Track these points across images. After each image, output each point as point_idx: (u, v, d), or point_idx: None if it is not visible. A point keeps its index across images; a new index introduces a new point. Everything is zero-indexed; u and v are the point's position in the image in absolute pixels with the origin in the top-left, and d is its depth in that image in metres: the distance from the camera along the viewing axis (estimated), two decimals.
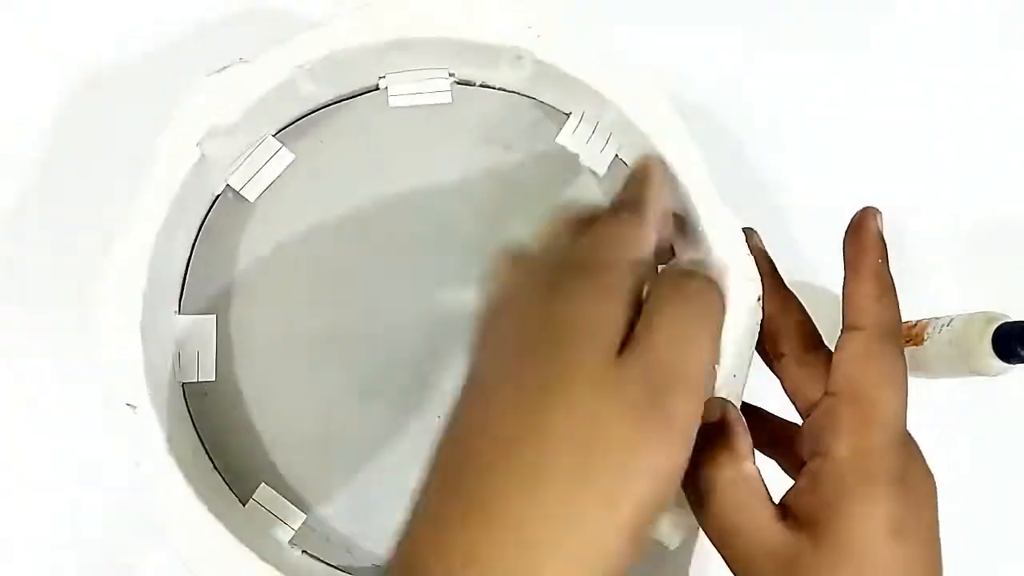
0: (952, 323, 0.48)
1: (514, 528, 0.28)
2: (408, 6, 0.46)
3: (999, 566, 0.53)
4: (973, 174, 0.57)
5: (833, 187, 0.57)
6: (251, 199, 0.49)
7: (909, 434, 0.36)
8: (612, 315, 0.31)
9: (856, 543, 0.34)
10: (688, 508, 0.38)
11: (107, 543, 0.51)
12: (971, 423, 0.54)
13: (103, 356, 0.42)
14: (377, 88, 0.50)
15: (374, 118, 0.50)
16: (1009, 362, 0.45)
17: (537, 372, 0.30)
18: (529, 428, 0.29)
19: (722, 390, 0.45)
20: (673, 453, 0.29)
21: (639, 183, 0.38)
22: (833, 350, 0.39)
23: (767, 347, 0.42)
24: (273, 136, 0.49)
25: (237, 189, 0.48)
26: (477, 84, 0.51)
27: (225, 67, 0.45)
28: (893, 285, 0.38)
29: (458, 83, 0.50)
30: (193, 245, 0.48)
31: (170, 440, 0.42)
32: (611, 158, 0.50)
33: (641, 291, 0.33)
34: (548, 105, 0.51)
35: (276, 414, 0.47)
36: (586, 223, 0.36)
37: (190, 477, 0.42)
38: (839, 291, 0.56)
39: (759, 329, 0.46)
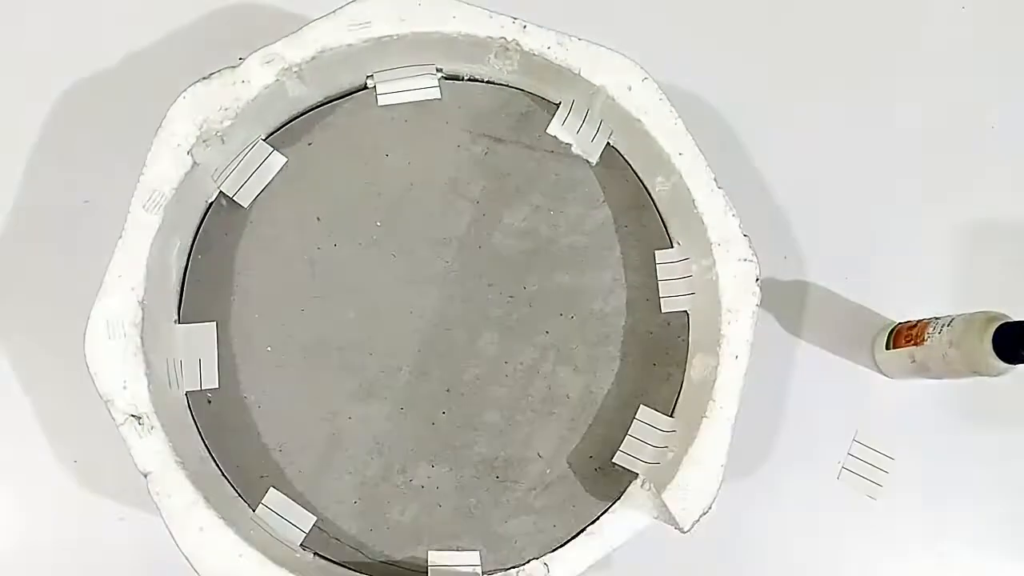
0: (952, 323, 0.48)
1: None
2: (389, 3, 0.46)
3: (1000, 565, 0.53)
4: (973, 174, 0.57)
5: (834, 187, 0.57)
6: (245, 204, 0.48)
7: None
8: None
9: None
10: None
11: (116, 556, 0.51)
12: (971, 423, 0.55)
13: (105, 369, 0.42)
14: (366, 87, 0.50)
15: (364, 117, 0.50)
16: (1010, 362, 0.45)
17: None
18: None
19: (724, 370, 0.45)
20: None
21: None
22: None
23: None
24: (264, 140, 0.49)
25: (230, 195, 0.48)
26: (465, 78, 0.51)
27: (212, 73, 0.45)
28: None
29: (446, 78, 0.50)
30: (190, 253, 0.48)
31: (177, 450, 0.42)
32: (603, 146, 0.50)
33: None
34: (537, 96, 0.51)
35: (280, 418, 0.47)
36: None
37: (198, 485, 0.42)
38: (839, 291, 0.57)
39: (758, 309, 0.46)
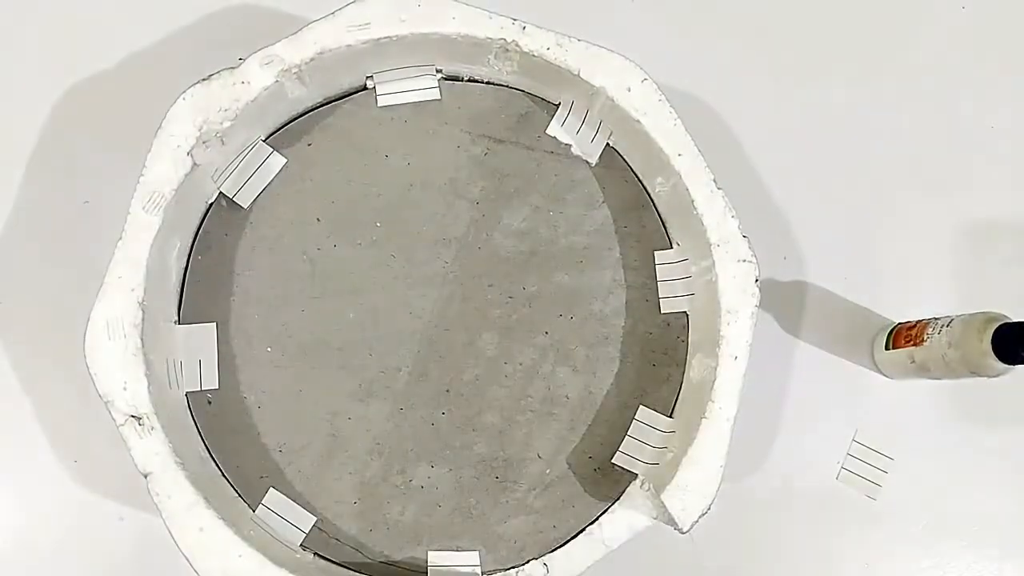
0: (952, 323, 0.48)
1: None
2: (389, 4, 0.46)
3: (1000, 565, 0.53)
4: (973, 174, 0.57)
5: (834, 187, 0.57)
6: (245, 205, 0.49)
7: None
8: None
9: None
10: None
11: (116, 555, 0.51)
12: (971, 423, 0.55)
13: (105, 370, 0.42)
14: (365, 88, 0.50)
15: (364, 118, 0.50)
16: (1009, 362, 0.45)
17: None
18: None
19: (724, 371, 0.45)
20: None
21: None
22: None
23: None
24: (264, 141, 0.49)
25: (230, 196, 0.48)
26: (465, 79, 0.51)
27: (212, 75, 0.45)
28: None
29: (446, 79, 0.50)
30: (190, 254, 0.48)
31: (177, 451, 0.42)
32: (602, 147, 0.50)
33: None
34: (537, 97, 0.51)
35: (280, 419, 0.47)
36: None
37: (198, 486, 0.42)
38: (839, 291, 0.57)
39: (757, 310, 0.46)
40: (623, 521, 0.47)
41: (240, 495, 0.46)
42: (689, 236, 0.48)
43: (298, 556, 0.45)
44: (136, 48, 0.56)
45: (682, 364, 0.49)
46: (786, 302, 0.56)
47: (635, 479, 0.47)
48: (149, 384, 0.42)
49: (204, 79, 0.45)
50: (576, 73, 0.47)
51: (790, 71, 0.59)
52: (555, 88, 0.49)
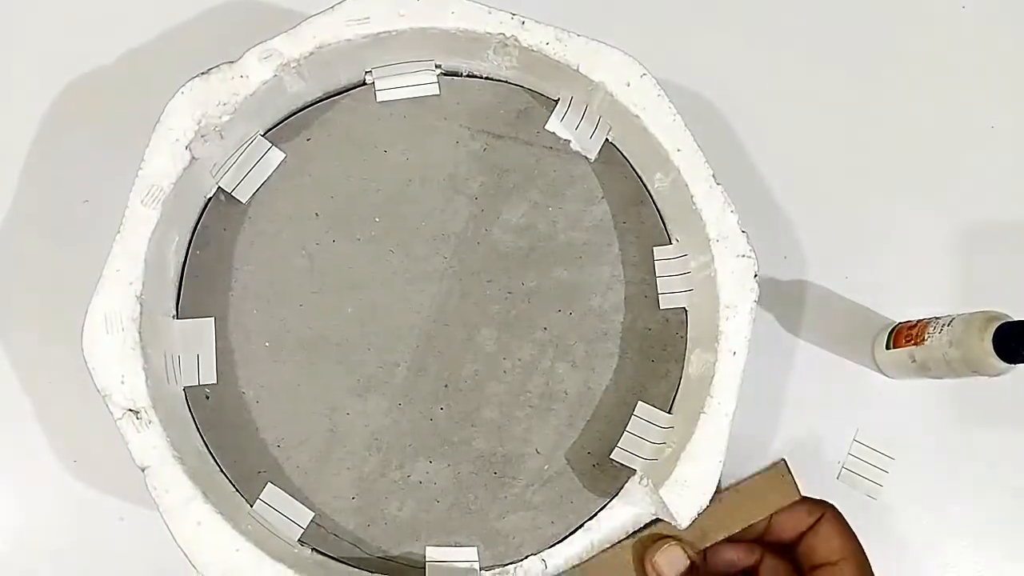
0: (952, 323, 0.48)
1: None
2: None
3: (1000, 565, 0.53)
4: (973, 174, 0.57)
5: (834, 187, 0.57)
6: (243, 200, 0.48)
7: None
8: None
9: None
10: None
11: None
12: (971, 423, 0.55)
13: (103, 364, 0.42)
14: (364, 83, 0.50)
15: (362, 113, 0.50)
16: (1010, 362, 0.44)
17: None
18: None
19: (722, 367, 0.45)
20: None
21: None
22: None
23: None
24: (262, 135, 0.49)
25: (229, 191, 0.48)
26: (464, 74, 0.51)
27: (211, 69, 0.45)
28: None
29: (445, 74, 0.50)
30: (188, 249, 0.48)
31: (175, 444, 0.42)
32: (602, 142, 0.50)
33: None
34: (536, 92, 0.51)
35: (278, 414, 0.47)
36: None
37: (196, 480, 0.42)
38: (839, 291, 0.56)
39: (756, 305, 0.46)
40: (621, 517, 0.47)
41: (238, 490, 0.46)
42: (688, 232, 0.48)
43: (296, 551, 0.45)
44: (135, 44, 0.56)
45: (681, 360, 0.49)
46: (786, 302, 0.56)
47: (633, 475, 0.47)
48: (147, 378, 0.42)
49: (203, 73, 0.45)
50: (575, 68, 0.47)
51: (790, 70, 0.58)
52: (554, 83, 0.49)
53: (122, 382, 0.42)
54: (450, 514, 0.47)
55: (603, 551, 0.45)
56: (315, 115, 0.50)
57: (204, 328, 0.47)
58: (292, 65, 0.45)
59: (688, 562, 0.44)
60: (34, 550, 0.50)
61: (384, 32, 0.46)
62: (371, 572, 0.45)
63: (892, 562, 0.53)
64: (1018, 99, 0.60)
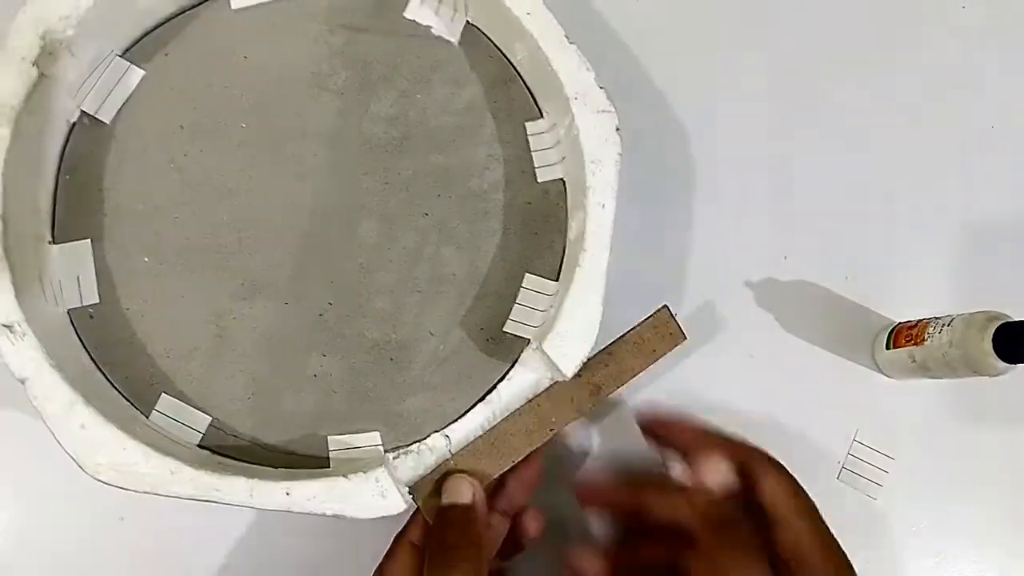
0: (952, 323, 0.48)
1: None
2: None
3: (1000, 565, 0.54)
4: (973, 174, 0.58)
5: (833, 187, 0.57)
6: (107, 121, 0.48)
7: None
8: None
9: None
10: None
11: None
12: (971, 423, 0.55)
13: None
14: None
15: (219, 23, 0.50)
16: (1010, 362, 0.45)
17: None
18: None
19: (592, 220, 0.45)
20: None
21: None
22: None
23: None
24: (120, 56, 0.49)
25: (92, 113, 0.48)
26: None
27: None
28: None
29: None
30: (57, 175, 0.48)
31: (51, 353, 0.42)
32: (462, 24, 0.51)
33: None
34: None
35: (164, 326, 0.47)
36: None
37: (78, 387, 0.42)
38: (839, 291, 0.56)
39: (620, 158, 0.46)
40: (519, 385, 0.47)
41: (132, 403, 0.46)
42: (551, 97, 0.48)
43: (197, 454, 0.45)
44: None
45: (564, 229, 0.50)
46: (786, 302, 0.56)
47: (527, 344, 0.47)
48: (17, 294, 0.42)
49: None
50: None
51: (789, 70, 0.59)
52: None
53: None
54: (349, 403, 0.47)
55: (504, 422, 0.45)
56: (172, 31, 0.50)
57: (81, 250, 0.47)
58: None
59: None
60: (34, 550, 0.49)
61: None
62: (274, 467, 0.45)
63: (892, 562, 0.54)
64: (1018, 99, 0.60)
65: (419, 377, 0.48)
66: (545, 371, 0.46)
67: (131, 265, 0.47)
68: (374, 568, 0.43)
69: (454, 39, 0.51)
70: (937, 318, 0.50)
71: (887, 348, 0.53)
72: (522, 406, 0.46)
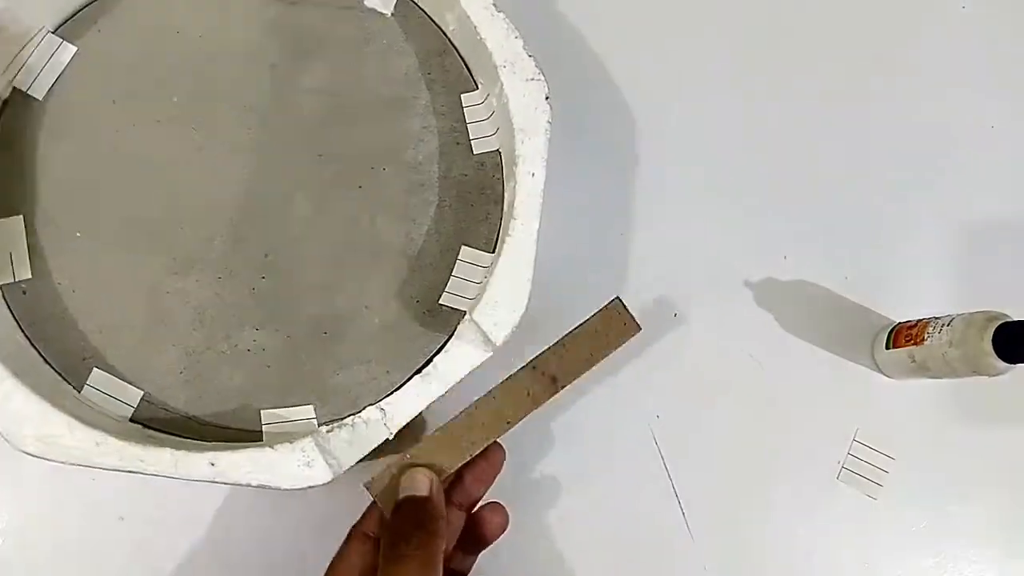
0: (952, 323, 0.48)
1: None
2: None
3: (1000, 565, 0.54)
4: (973, 174, 0.58)
5: (833, 187, 0.57)
6: (39, 97, 0.48)
7: None
8: None
9: None
10: None
11: None
12: (971, 423, 0.55)
13: None
14: None
15: None
16: (1010, 362, 0.45)
17: None
18: None
19: (523, 188, 0.45)
20: None
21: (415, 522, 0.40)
22: None
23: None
24: (52, 32, 0.49)
25: (24, 90, 0.48)
26: None
27: None
28: None
29: None
30: None
31: None
32: None
33: None
34: None
35: (97, 300, 0.47)
36: None
37: (20, 373, 0.42)
38: (839, 291, 0.56)
39: (550, 127, 0.46)
40: (456, 358, 0.47)
41: (64, 378, 0.46)
42: (482, 67, 0.48)
43: (121, 426, 0.45)
44: None
45: (499, 201, 0.49)
46: (787, 301, 0.56)
47: (463, 316, 0.47)
48: None
49: None
50: None
51: (789, 71, 0.58)
52: None
53: None
54: (283, 377, 0.47)
55: (460, 415, 0.44)
56: (104, 7, 0.50)
57: (14, 226, 0.47)
58: None
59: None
60: (34, 550, 0.49)
61: None
62: (205, 440, 0.45)
63: (892, 562, 0.54)
64: (1018, 99, 0.60)
65: (354, 350, 0.48)
66: (481, 343, 0.46)
67: (64, 240, 0.47)
68: None
69: (387, 11, 0.50)
70: (937, 318, 0.50)
71: (887, 348, 0.53)
72: (478, 399, 0.45)
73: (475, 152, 0.50)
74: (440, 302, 0.48)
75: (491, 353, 0.46)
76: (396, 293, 0.48)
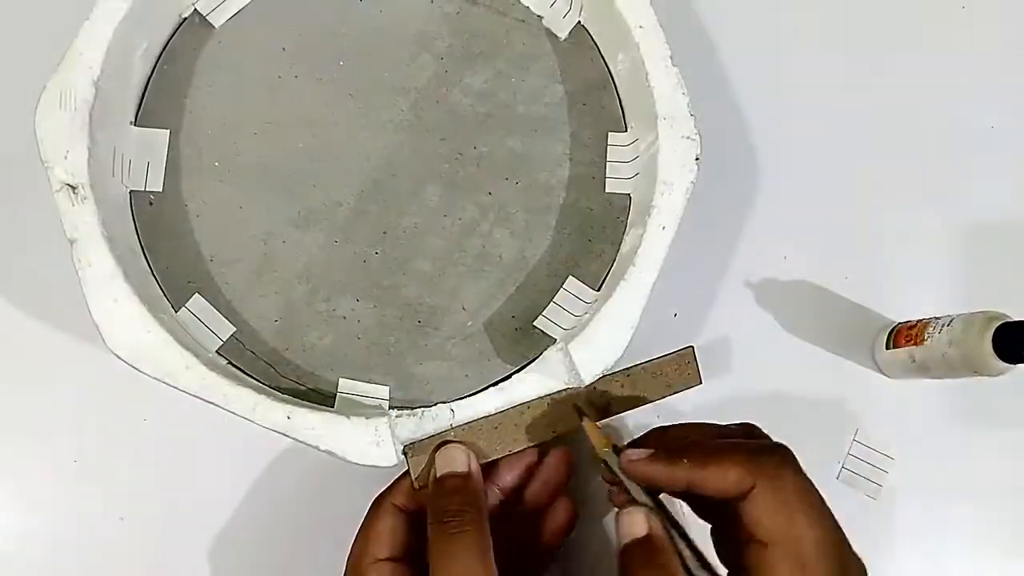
0: (952, 323, 0.48)
1: None
2: None
3: (1000, 565, 0.53)
4: (973, 174, 0.58)
5: (833, 187, 0.57)
6: (216, 25, 0.50)
7: (843, 548, 0.37)
8: None
9: None
10: None
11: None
12: (971, 423, 0.55)
13: (51, 137, 0.43)
14: None
15: None
16: (1010, 362, 0.45)
17: None
18: None
19: (649, 239, 0.46)
20: None
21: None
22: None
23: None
24: None
25: (204, 14, 0.49)
26: None
27: None
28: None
29: None
30: (156, 62, 0.49)
31: (106, 224, 0.43)
32: (574, 23, 0.51)
33: None
34: None
35: (217, 232, 0.48)
36: None
37: (122, 263, 0.43)
38: (839, 291, 0.56)
39: (692, 187, 0.46)
40: (534, 382, 0.47)
41: (165, 295, 0.47)
42: (640, 113, 0.49)
43: (210, 356, 0.46)
44: None
45: (617, 243, 0.50)
46: (787, 301, 0.56)
47: (552, 343, 0.48)
48: (90, 158, 0.43)
49: None
50: None
51: (789, 72, 0.59)
52: None
53: (65, 157, 0.43)
54: (369, 352, 0.48)
55: (510, 410, 0.45)
56: None
57: (159, 138, 0.48)
58: None
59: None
60: (34, 550, 0.50)
61: None
62: (281, 392, 0.46)
63: (892, 562, 0.53)
64: (1018, 99, 0.60)
65: (441, 346, 0.48)
66: (564, 374, 0.46)
67: (201, 165, 0.49)
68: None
69: (562, 35, 0.51)
70: (937, 318, 0.49)
71: (887, 348, 0.52)
72: (531, 400, 0.46)
73: (607, 190, 0.50)
74: (534, 324, 0.49)
75: (569, 385, 0.46)
76: (495, 303, 0.49)
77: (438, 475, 0.41)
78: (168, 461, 0.50)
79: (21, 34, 0.54)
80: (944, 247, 0.57)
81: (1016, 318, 0.46)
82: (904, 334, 0.51)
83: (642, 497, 0.40)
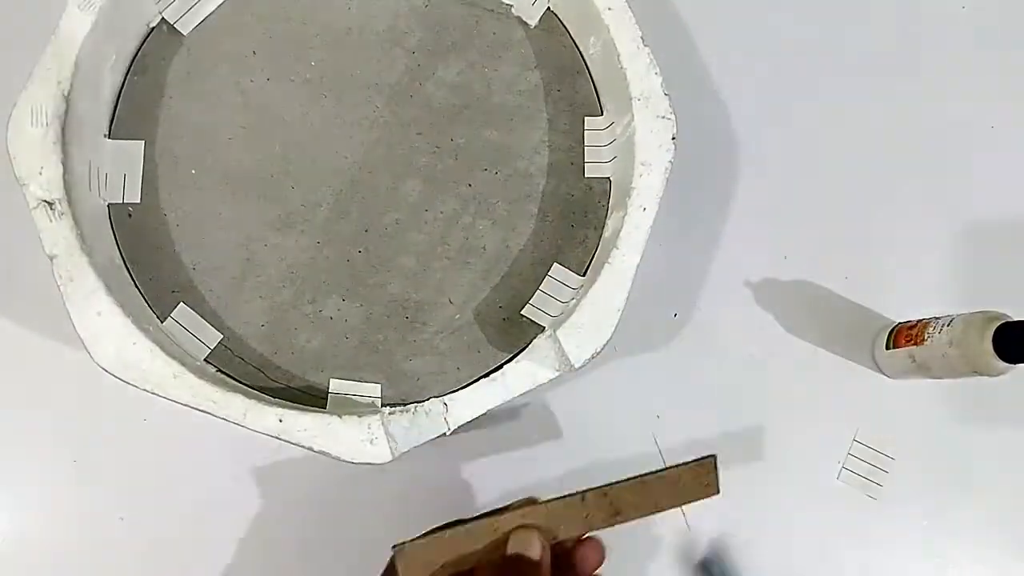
0: (952, 323, 0.48)
1: None
2: None
3: (1000, 565, 0.53)
4: (973, 174, 0.58)
5: (833, 187, 0.57)
6: (184, 32, 0.49)
7: None
8: None
9: None
10: None
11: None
12: (971, 423, 0.54)
13: (23, 153, 0.43)
14: None
15: None
16: (1010, 362, 0.45)
17: None
18: None
19: (631, 220, 0.46)
20: None
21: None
22: None
23: None
24: None
25: (172, 22, 0.49)
26: None
27: None
28: None
29: None
30: (126, 74, 0.49)
31: (84, 237, 0.43)
32: (543, 9, 0.51)
33: None
34: None
35: (197, 240, 0.48)
36: None
37: (103, 276, 0.43)
38: (839, 291, 0.56)
39: (671, 166, 0.46)
40: (526, 371, 0.47)
41: (150, 305, 0.47)
42: (615, 96, 0.49)
43: (199, 365, 0.46)
44: None
45: (600, 227, 0.50)
46: (787, 301, 0.56)
47: (541, 331, 0.48)
48: (65, 173, 0.43)
49: None
50: None
51: (789, 73, 0.59)
52: None
53: (40, 173, 0.43)
54: (357, 351, 0.48)
55: (508, 510, 0.42)
56: None
57: (134, 150, 0.48)
58: None
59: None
60: (34, 550, 0.50)
61: None
62: (272, 396, 0.46)
63: (892, 562, 0.53)
64: (1018, 99, 0.60)
65: (430, 341, 0.48)
66: (554, 360, 0.46)
67: (178, 174, 0.48)
68: None
69: (532, 21, 0.51)
70: (937, 318, 0.49)
71: (887, 348, 0.53)
72: (537, 503, 0.43)
73: (586, 175, 0.50)
74: (522, 313, 0.49)
75: (560, 373, 0.46)
76: (481, 294, 0.49)
77: (509, 552, 0.39)
78: (168, 461, 0.50)
79: None
80: (944, 247, 0.57)
81: (1016, 318, 0.46)
82: (904, 334, 0.51)
83: None
